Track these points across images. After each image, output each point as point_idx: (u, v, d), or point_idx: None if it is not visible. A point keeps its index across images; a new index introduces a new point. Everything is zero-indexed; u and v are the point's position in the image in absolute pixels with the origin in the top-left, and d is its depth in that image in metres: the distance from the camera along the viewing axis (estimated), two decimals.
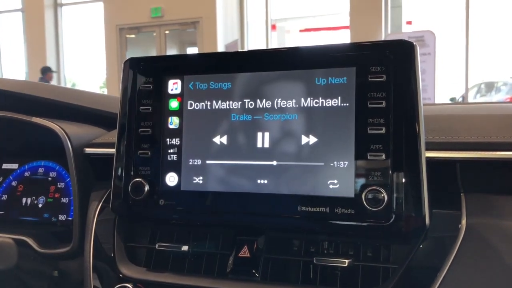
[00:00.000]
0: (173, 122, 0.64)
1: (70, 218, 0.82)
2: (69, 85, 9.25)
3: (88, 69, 10.52)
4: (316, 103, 0.58)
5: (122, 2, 8.60)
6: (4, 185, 0.92)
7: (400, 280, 0.55)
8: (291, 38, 9.56)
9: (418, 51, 0.56)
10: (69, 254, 0.74)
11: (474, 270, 0.52)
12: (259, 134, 0.60)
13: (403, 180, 0.54)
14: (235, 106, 0.61)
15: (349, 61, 0.57)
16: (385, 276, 0.57)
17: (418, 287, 0.55)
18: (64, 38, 9.59)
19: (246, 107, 0.61)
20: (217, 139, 0.61)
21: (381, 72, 0.55)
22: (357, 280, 0.58)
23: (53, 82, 8.94)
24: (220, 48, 8.08)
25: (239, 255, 0.60)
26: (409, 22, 8.38)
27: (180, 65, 0.65)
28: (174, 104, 0.64)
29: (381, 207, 0.54)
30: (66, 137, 0.78)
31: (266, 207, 0.58)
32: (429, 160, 0.57)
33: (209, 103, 0.62)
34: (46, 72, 7.31)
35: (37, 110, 0.87)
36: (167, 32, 8.71)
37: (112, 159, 0.66)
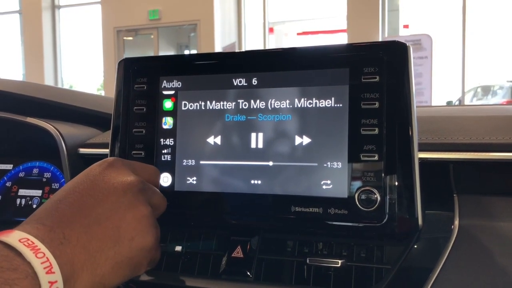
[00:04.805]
0: (167, 122, 0.64)
1: None
2: (66, 87, 9.24)
3: (85, 71, 10.52)
4: (310, 103, 0.58)
5: (120, 5, 8.62)
6: None
7: (393, 280, 0.55)
8: (289, 41, 9.58)
9: (412, 52, 0.56)
10: None
11: (467, 271, 0.52)
12: (253, 135, 0.60)
13: (396, 181, 0.54)
14: (229, 106, 0.61)
15: (343, 62, 0.57)
16: (378, 277, 0.57)
17: (411, 287, 0.55)
18: (62, 40, 9.59)
19: (240, 107, 0.61)
20: (211, 140, 0.61)
21: (374, 73, 0.56)
22: (350, 281, 0.58)
23: (51, 83, 8.92)
24: (218, 51, 8.09)
25: (233, 255, 0.60)
26: (406, 26, 8.42)
27: (174, 66, 0.65)
28: (168, 104, 0.64)
29: (374, 208, 0.54)
30: (60, 137, 0.78)
31: (259, 207, 0.58)
32: (422, 161, 0.57)
33: (203, 103, 0.62)
34: None
35: (31, 111, 0.87)
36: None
37: None
